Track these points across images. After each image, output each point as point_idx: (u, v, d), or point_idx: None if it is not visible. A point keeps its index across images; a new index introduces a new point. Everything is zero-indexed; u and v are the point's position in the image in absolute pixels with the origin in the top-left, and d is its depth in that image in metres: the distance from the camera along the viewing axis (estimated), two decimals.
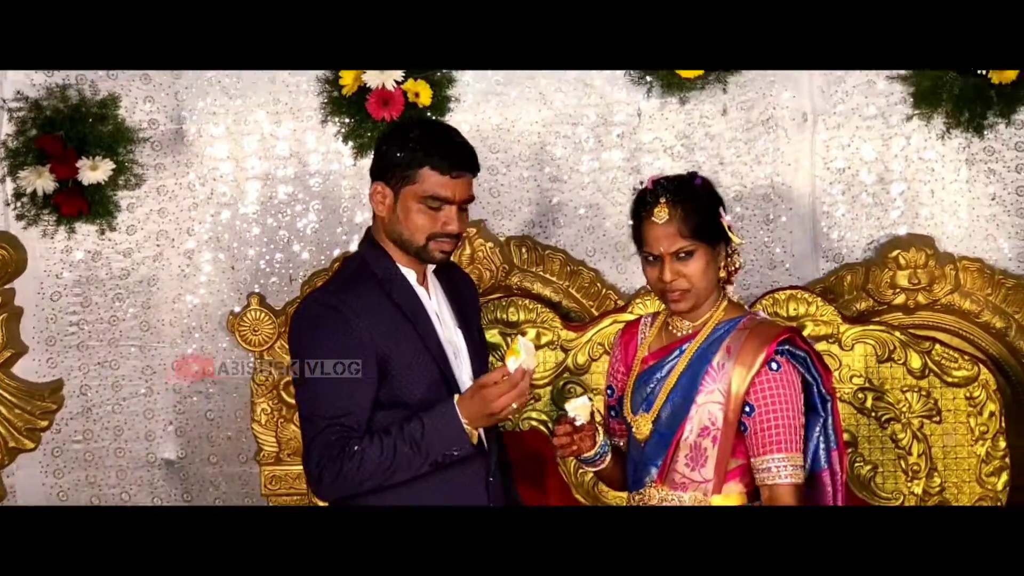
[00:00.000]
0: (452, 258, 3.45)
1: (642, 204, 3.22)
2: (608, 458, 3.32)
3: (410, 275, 3.29)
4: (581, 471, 4.19)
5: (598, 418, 3.32)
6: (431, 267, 3.34)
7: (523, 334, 4.13)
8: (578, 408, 3.22)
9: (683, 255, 3.16)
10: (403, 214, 3.22)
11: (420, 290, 3.30)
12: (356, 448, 3.12)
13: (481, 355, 3.46)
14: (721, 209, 3.23)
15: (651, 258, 3.20)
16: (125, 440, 4.58)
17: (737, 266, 3.27)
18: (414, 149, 3.21)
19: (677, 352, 3.25)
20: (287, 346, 3.58)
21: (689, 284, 3.17)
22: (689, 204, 3.17)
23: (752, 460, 3.16)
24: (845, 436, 3.81)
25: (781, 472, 3.13)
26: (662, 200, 3.17)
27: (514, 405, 3.12)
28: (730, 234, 3.22)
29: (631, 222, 3.27)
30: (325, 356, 3.17)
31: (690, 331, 3.26)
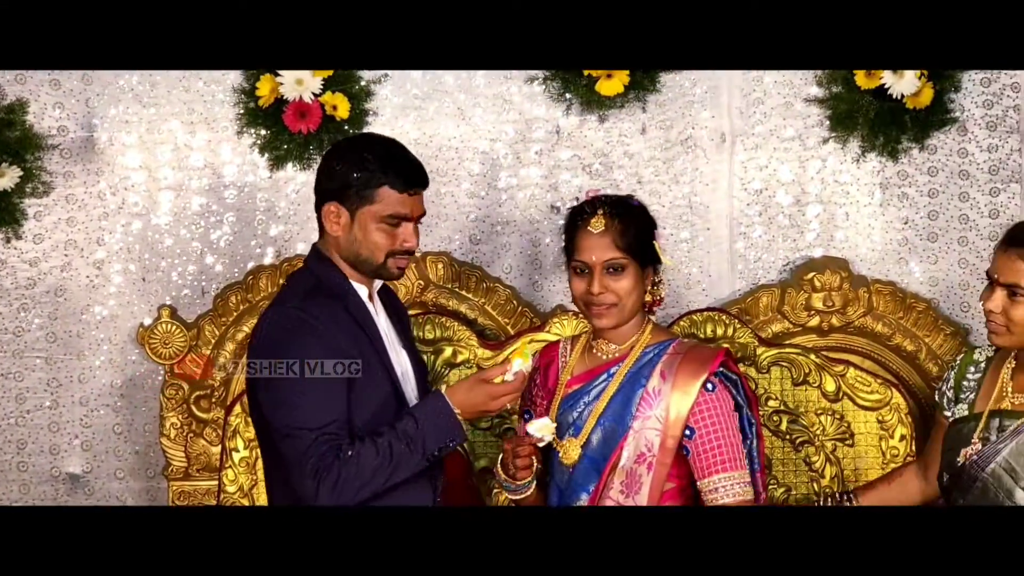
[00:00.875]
0: None
1: (579, 214, 3.25)
2: (533, 486, 3.30)
3: (362, 291, 3.26)
4: (496, 491, 4.17)
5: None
6: (377, 284, 3.30)
7: (441, 351, 4.13)
8: (541, 428, 3.19)
9: (613, 269, 3.18)
10: (361, 233, 3.19)
11: (371, 306, 3.27)
12: (351, 453, 3.05)
13: (422, 371, 3.43)
14: (655, 232, 3.25)
15: (581, 269, 3.21)
16: (28, 454, 4.48)
17: (661, 296, 3.28)
18: (371, 169, 3.18)
19: (605, 376, 3.24)
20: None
21: (616, 299, 3.18)
22: (626, 219, 3.21)
23: (699, 483, 3.18)
24: None
25: (729, 491, 3.16)
26: (600, 212, 3.21)
27: (508, 405, 3.13)
28: (661, 255, 3.24)
29: (564, 234, 3.28)
30: (300, 365, 3.09)
31: (616, 354, 3.26)
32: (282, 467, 3.12)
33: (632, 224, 3.21)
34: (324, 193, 3.25)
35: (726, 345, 4.12)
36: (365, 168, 3.19)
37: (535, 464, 3.27)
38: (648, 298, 3.26)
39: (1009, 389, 3.18)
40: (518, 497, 3.32)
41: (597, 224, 3.19)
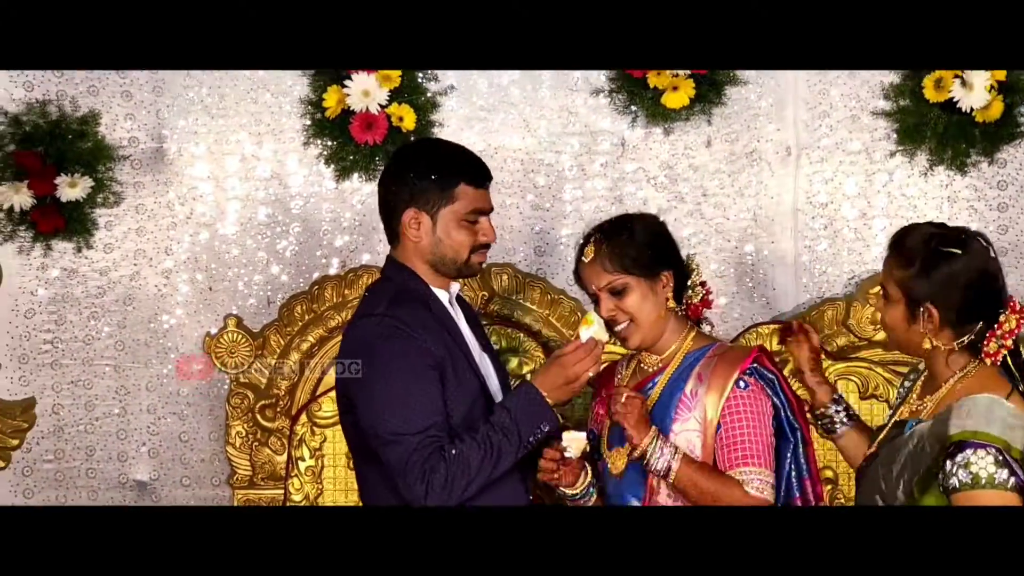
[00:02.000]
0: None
1: (579, 247, 3.29)
2: (593, 499, 3.30)
3: (443, 296, 3.28)
4: None
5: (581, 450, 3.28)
6: (455, 290, 3.32)
7: (506, 362, 4.12)
8: (572, 440, 3.19)
9: (614, 291, 3.18)
10: (444, 235, 3.21)
11: (452, 311, 3.29)
12: (453, 451, 3.06)
13: (504, 375, 3.44)
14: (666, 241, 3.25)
15: (592, 299, 3.23)
16: (97, 460, 4.52)
17: (700, 299, 3.27)
18: (447, 169, 3.22)
19: (649, 386, 3.24)
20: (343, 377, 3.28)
21: (628, 316, 3.18)
22: (615, 240, 3.20)
23: None
24: (828, 473, 3.79)
25: (748, 485, 3.10)
26: (591, 240, 3.25)
27: (590, 373, 3.12)
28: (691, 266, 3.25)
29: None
30: (398, 371, 3.11)
31: (660, 364, 3.25)
32: (387, 475, 3.12)
33: (622, 242, 3.19)
34: (399, 202, 3.25)
35: (779, 358, 4.09)
36: (441, 170, 3.22)
37: (584, 476, 3.27)
38: (672, 305, 3.24)
39: (914, 397, 3.09)
40: (580, 504, 3.32)
41: (588, 253, 3.22)
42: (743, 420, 3.13)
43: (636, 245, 3.20)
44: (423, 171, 3.23)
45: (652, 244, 3.23)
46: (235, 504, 4.36)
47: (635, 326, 3.19)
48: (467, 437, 3.09)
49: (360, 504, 3.42)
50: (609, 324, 3.21)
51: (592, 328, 3.16)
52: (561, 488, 3.28)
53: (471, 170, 3.24)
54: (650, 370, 3.26)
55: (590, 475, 3.29)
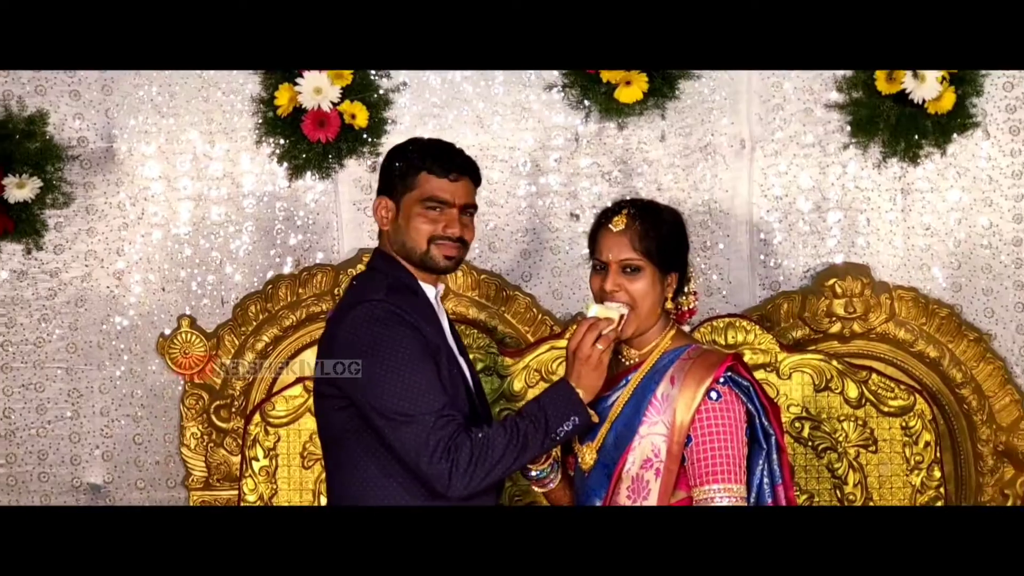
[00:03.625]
0: None
1: (604, 214, 3.24)
2: (558, 479, 3.28)
3: (430, 291, 3.27)
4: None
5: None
6: (441, 288, 3.31)
7: None
8: (602, 309, 3.15)
9: (629, 269, 3.15)
10: (404, 222, 3.22)
11: (437, 307, 3.28)
12: (480, 435, 3.03)
13: (477, 379, 3.41)
14: (685, 242, 3.23)
15: (599, 267, 3.19)
16: (50, 464, 4.47)
17: (690, 306, 3.25)
18: (412, 157, 3.24)
19: (624, 382, 3.21)
20: (336, 358, 3.16)
21: (629, 299, 3.14)
22: (648, 222, 3.17)
23: (692, 491, 3.11)
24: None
25: (720, 503, 3.07)
26: (623, 211, 3.20)
27: (599, 346, 3.08)
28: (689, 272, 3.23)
29: (589, 233, 3.27)
30: (405, 353, 3.07)
31: (637, 359, 3.23)
32: (401, 459, 3.07)
33: (654, 228, 3.18)
34: (378, 192, 3.30)
35: (740, 351, 4.11)
36: (406, 158, 3.25)
37: (554, 454, 3.25)
38: (669, 305, 3.22)
39: None
40: (543, 489, 3.30)
41: (618, 223, 3.17)
42: (714, 434, 3.09)
43: (665, 235, 3.18)
44: (391, 160, 3.28)
45: (677, 240, 3.22)
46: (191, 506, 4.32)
47: (633, 313, 3.16)
48: (495, 424, 3.08)
49: (312, 503, 3.38)
50: (603, 301, 3.17)
51: (592, 310, 3.14)
52: (529, 473, 3.26)
53: (435, 159, 3.23)
54: (627, 363, 3.24)
55: (552, 456, 3.26)
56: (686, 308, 3.28)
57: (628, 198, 3.31)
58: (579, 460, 3.24)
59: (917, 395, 4.18)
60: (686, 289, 3.26)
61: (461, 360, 3.30)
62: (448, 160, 3.25)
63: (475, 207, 3.30)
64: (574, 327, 3.19)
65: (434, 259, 3.22)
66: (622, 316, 3.14)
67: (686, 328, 3.36)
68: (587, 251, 3.15)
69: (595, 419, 3.14)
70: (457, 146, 3.32)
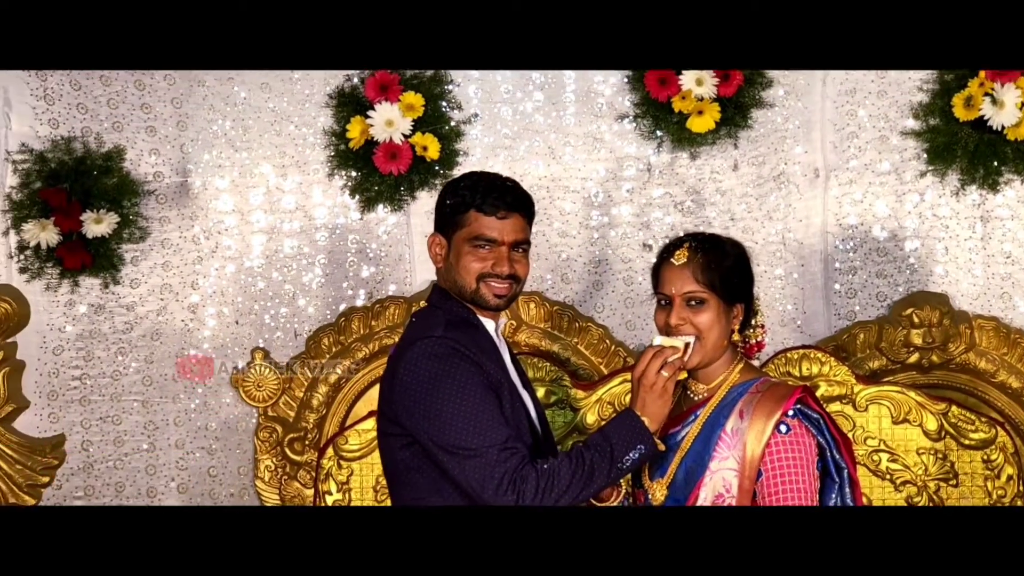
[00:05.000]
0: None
1: (666, 249, 3.22)
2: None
3: (489, 325, 3.26)
4: None
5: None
6: (502, 323, 3.30)
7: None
8: (667, 340, 3.13)
9: (694, 302, 3.12)
10: (455, 259, 3.21)
11: (498, 340, 3.27)
12: (545, 466, 3.02)
13: (542, 412, 3.38)
14: (750, 274, 3.20)
15: (663, 302, 3.17)
16: (127, 497, 4.52)
17: (758, 339, 3.22)
18: (463, 194, 3.22)
19: (692, 417, 3.18)
20: (397, 395, 3.12)
21: (695, 332, 3.11)
22: (711, 255, 3.14)
23: None
24: None
25: None
26: (685, 245, 3.17)
27: (664, 373, 3.06)
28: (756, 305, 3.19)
29: (652, 269, 3.24)
30: (466, 387, 3.06)
31: (705, 394, 3.19)
32: (467, 494, 3.05)
33: (716, 260, 3.15)
34: (434, 228, 3.29)
35: (815, 383, 4.05)
36: (457, 195, 3.23)
37: (624, 489, 3.23)
38: (736, 337, 3.19)
39: None
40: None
41: (680, 257, 3.15)
42: (785, 468, 3.05)
43: (728, 267, 3.16)
44: (445, 197, 3.26)
45: (741, 272, 3.19)
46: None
47: (699, 344, 3.14)
48: (560, 454, 3.06)
49: None
50: (669, 335, 3.15)
51: (657, 339, 3.12)
52: (593, 502, 3.24)
53: (483, 197, 3.21)
54: (696, 399, 3.21)
55: (623, 491, 3.24)
56: (754, 341, 3.23)
57: (690, 232, 3.28)
58: (649, 496, 3.21)
59: (999, 427, 4.10)
60: (753, 322, 3.23)
61: (524, 393, 3.29)
62: (497, 197, 3.21)
63: (527, 243, 3.26)
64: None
65: (484, 297, 3.21)
66: (688, 345, 3.11)
67: (755, 362, 3.32)
68: None
69: (661, 447, 3.11)
70: (511, 180, 3.29)
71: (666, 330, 3.16)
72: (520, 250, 3.25)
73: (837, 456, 3.12)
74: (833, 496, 3.13)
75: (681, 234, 3.30)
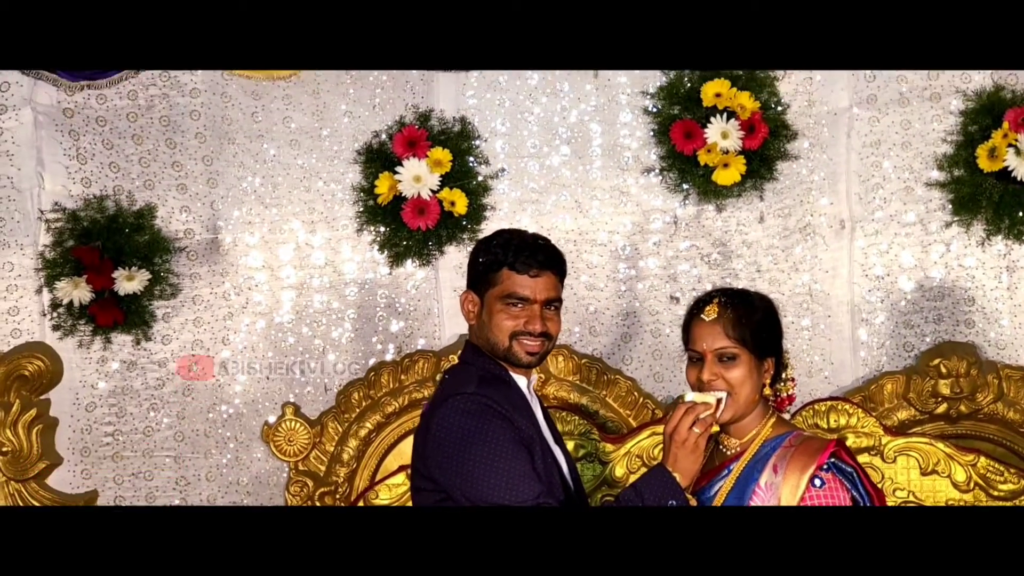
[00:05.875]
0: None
1: (696, 305, 3.23)
2: None
3: (521, 382, 3.28)
4: None
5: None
6: (534, 380, 3.33)
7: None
8: (700, 396, 3.14)
9: (726, 358, 3.13)
10: (488, 317, 3.25)
11: (530, 397, 3.29)
12: None
13: (573, 466, 3.40)
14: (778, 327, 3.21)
15: (694, 358, 3.18)
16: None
17: (789, 393, 3.23)
18: (495, 252, 3.26)
19: (725, 472, 3.19)
20: (430, 451, 3.16)
21: (727, 388, 3.13)
22: (740, 310, 3.16)
23: None
24: None
25: None
26: (714, 300, 3.19)
27: (696, 430, 3.07)
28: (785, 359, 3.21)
29: (683, 325, 3.26)
30: (498, 444, 3.08)
31: (738, 449, 3.20)
32: None
33: (746, 315, 3.17)
34: (467, 285, 3.33)
35: (843, 434, 4.06)
36: (490, 253, 3.27)
37: None
38: (767, 391, 3.20)
39: None
40: None
41: (710, 312, 3.17)
42: None
43: (758, 322, 3.17)
44: (477, 255, 3.30)
45: (771, 326, 3.21)
46: None
47: (731, 400, 3.15)
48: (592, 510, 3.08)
49: None
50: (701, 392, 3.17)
51: (689, 395, 3.14)
52: None
53: (515, 256, 3.25)
54: (728, 453, 3.22)
55: None
56: (785, 395, 3.25)
57: (718, 287, 3.30)
58: None
59: None
60: (783, 375, 3.24)
61: (556, 448, 3.30)
62: (529, 256, 3.25)
63: (559, 300, 3.30)
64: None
65: (516, 355, 3.24)
66: (720, 401, 3.13)
67: (786, 416, 3.33)
68: None
69: (693, 503, 3.12)
70: (542, 238, 3.32)
71: (698, 386, 3.17)
72: (552, 307, 3.29)
73: None
74: None
75: (709, 287, 3.33)
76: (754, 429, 3.19)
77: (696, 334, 3.19)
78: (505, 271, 3.24)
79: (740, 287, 3.35)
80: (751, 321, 3.16)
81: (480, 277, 3.27)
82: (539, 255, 3.27)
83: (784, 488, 3.07)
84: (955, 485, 4.09)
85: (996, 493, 4.08)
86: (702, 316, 3.18)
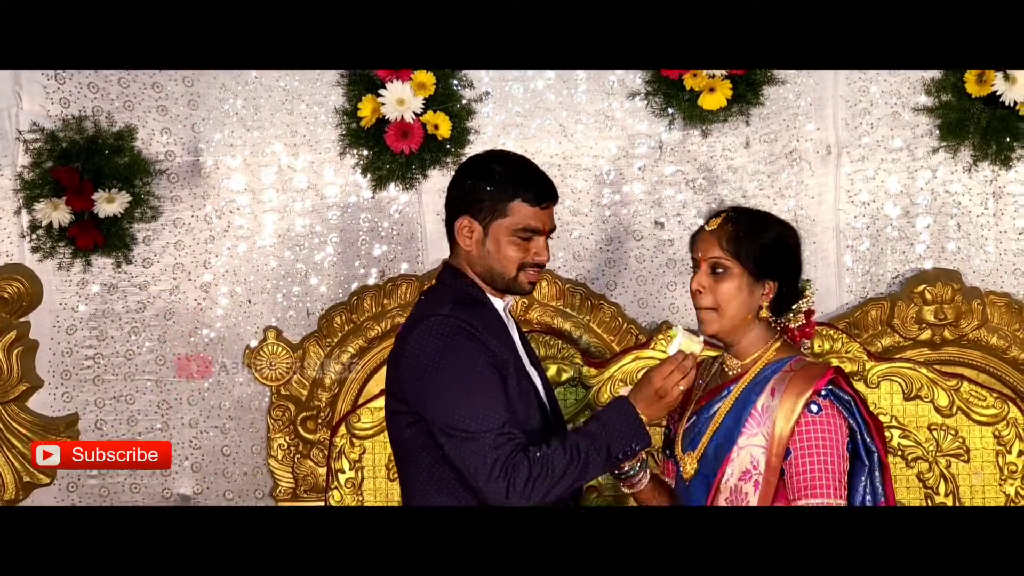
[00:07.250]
0: None
1: (708, 214, 3.22)
2: (647, 478, 3.25)
3: (498, 304, 3.25)
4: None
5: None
6: (509, 301, 3.29)
7: (546, 369, 4.08)
8: (683, 343, 3.12)
9: (718, 270, 3.10)
10: (494, 247, 3.18)
11: (506, 319, 3.27)
12: (539, 453, 3.02)
13: (551, 390, 3.39)
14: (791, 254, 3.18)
15: (694, 265, 3.16)
16: (140, 475, 4.53)
17: (798, 324, 3.19)
18: (504, 183, 3.18)
19: (726, 392, 3.17)
20: (403, 374, 3.14)
21: (714, 302, 3.10)
22: (743, 226, 3.11)
23: (791, 504, 3.07)
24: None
25: None
26: (723, 214, 3.16)
27: (680, 387, 3.07)
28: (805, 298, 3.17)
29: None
30: (469, 368, 3.07)
31: (740, 370, 3.18)
32: (461, 476, 3.07)
33: (749, 231, 3.11)
34: (456, 208, 3.23)
35: (827, 359, 4.05)
36: (497, 182, 3.18)
37: (641, 455, 3.23)
38: (764, 314, 3.17)
39: None
40: (632, 490, 3.26)
41: (713, 223, 3.14)
42: (814, 448, 3.03)
43: (757, 241, 3.12)
44: (481, 181, 3.20)
45: (772, 249, 3.14)
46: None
47: (716, 314, 3.12)
48: (555, 442, 3.05)
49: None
50: (693, 302, 3.15)
51: (677, 340, 3.10)
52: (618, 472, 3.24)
53: (529, 188, 3.19)
54: (730, 374, 3.20)
55: (640, 455, 3.23)
56: (794, 325, 3.21)
57: (742, 206, 3.25)
58: (681, 469, 3.22)
59: (1010, 403, 4.11)
60: (794, 306, 3.19)
61: (532, 371, 3.29)
62: (540, 187, 3.21)
63: (555, 228, 3.29)
64: (662, 358, 3.14)
65: (520, 284, 3.21)
66: (704, 344, 3.12)
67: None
68: (671, 258, 3.12)
69: (656, 444, 3.12)
70: (535, 164, 3.27)
71: (693, 299, 3.14)
72: (550, 236, 3.27)
73: (868, 439, 3.09)
74: (862, 479, 3.10)
75: (694, 213, 3.30)
76: (757, 351, 3.16)
77: (697, 242, 3.17)
78: (516, 203, 3.17)
79: (765, 211, 3.28)
80: (751, 238, 3.11)
81: (484, 205, 3.18)
82: (548, 186, 3.24)
83: (779, 412, 3.05)
84: (938, 410, 4.10)
85: (978, 417, 4.10)
86: (706, 226, 3.17)
